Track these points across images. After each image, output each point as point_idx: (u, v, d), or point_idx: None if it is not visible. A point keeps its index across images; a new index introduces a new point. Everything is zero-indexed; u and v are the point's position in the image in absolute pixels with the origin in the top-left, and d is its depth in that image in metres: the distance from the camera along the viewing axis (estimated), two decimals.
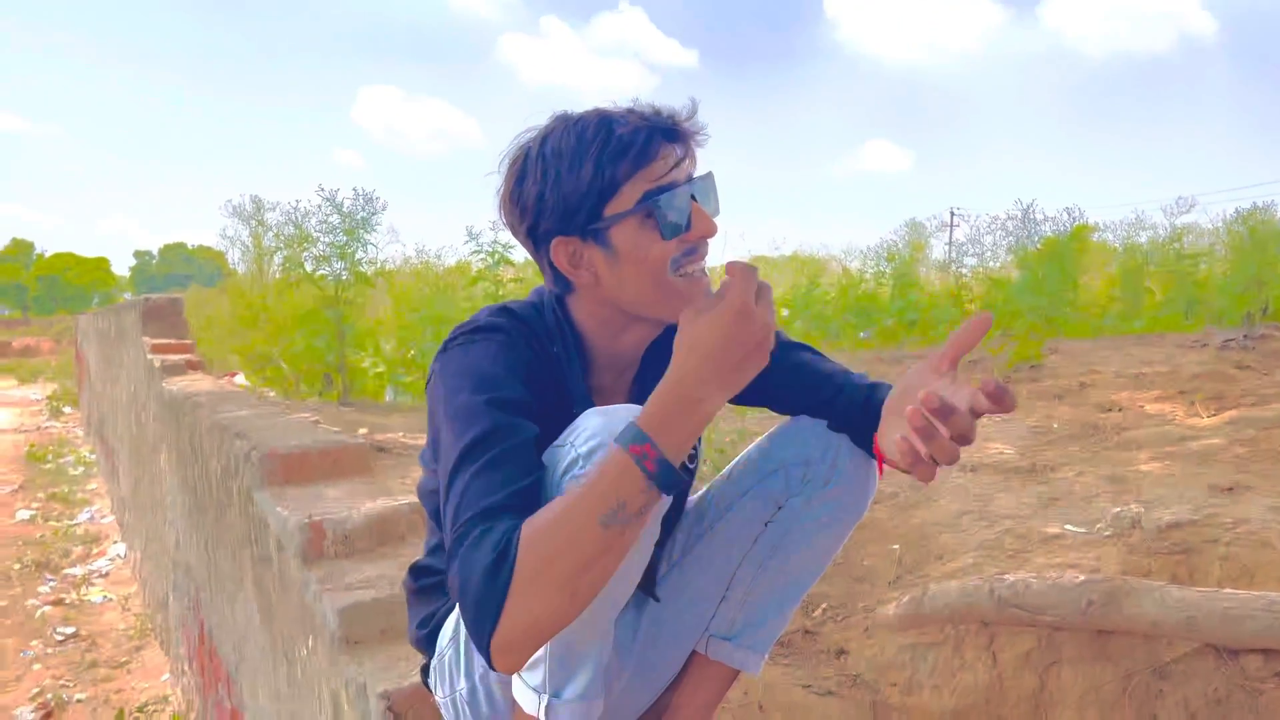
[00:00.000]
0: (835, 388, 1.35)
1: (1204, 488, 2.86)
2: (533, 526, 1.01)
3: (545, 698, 1.20)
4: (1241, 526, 2.36)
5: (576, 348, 1.28)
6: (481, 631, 0.99)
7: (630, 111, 1.19)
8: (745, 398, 1.35)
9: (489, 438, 1.09)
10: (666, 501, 1.07)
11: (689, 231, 1.20)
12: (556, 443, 1.13)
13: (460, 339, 1.23)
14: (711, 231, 1.22)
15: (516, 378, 1.18)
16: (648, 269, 1.20)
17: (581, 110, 1.22)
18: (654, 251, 1.19)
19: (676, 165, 1.20)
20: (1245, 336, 6.78)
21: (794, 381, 1.38)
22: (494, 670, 1.00)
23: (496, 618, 0.98)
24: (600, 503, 0.99)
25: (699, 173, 1.24)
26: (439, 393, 1.19)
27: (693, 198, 1.21)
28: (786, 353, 1.39)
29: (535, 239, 1.23)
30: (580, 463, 1.09)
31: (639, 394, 1.33)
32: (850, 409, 1.33)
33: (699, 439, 1.16)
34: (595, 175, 1.16)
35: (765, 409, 1.47)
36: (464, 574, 1.00)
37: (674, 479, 1.01)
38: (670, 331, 1.37)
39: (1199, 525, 2.40)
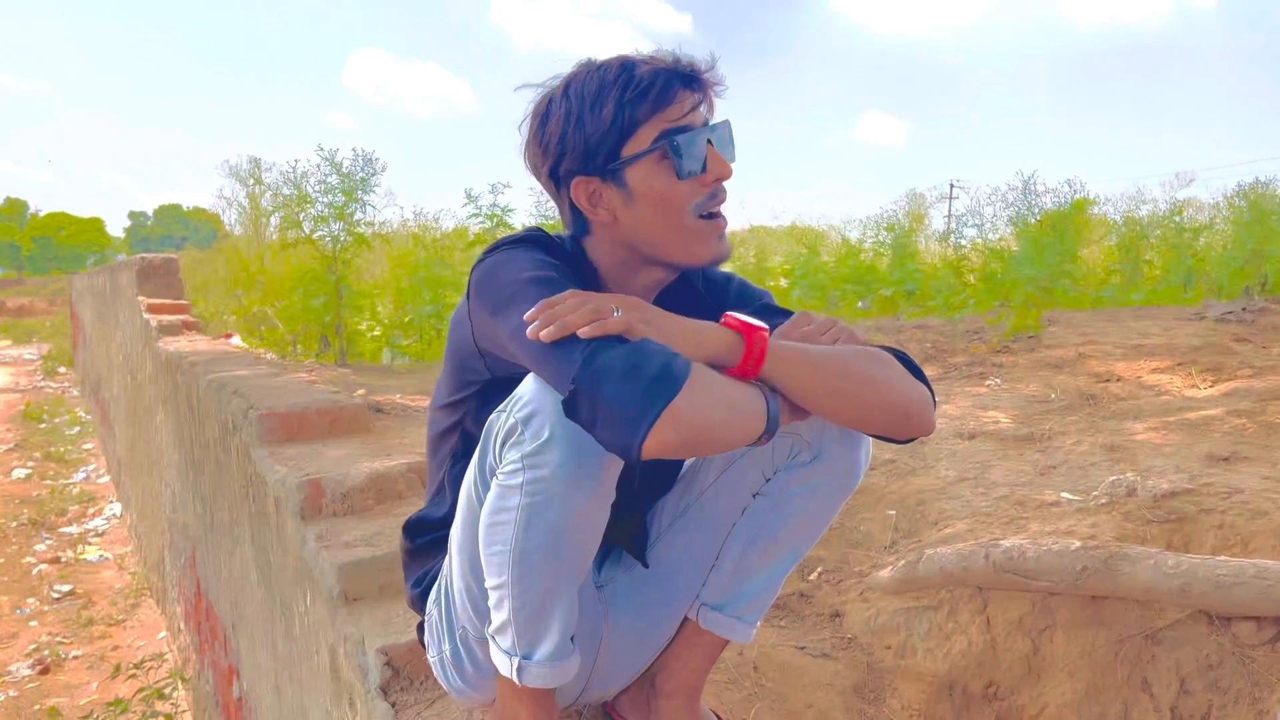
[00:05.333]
0: None
1: (1200, 457, 2.87)
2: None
3: (517, 659, 1.23)
4: (1236, 495, 2.36)
5: (597, 284, 1.31)
6: (657, 398, 1.00)
7: (652, 57, 1.22)
8: None
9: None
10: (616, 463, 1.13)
11: (705, 174, 1.23)
12: (498, 408, 1.15)
13: (505, 246, 1.25)
14: (727, 174, 1.24)
15: (565, 276, 1.20)
16: (663, 209, 1.23)
17: (605, 58, 1.24)
18: (669, 191, 1.22)
19: (693, 110, 1.23)
20: (1244, 309, 6.77)
21: None
22: (641, 449, 1.01)
23: (675, 391, 1.01)
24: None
25: (716, 121, 1.27)
26: (493, 284, 1.20)
27: (709, 142, 1.23)
28: (769, 319, 1.39)
29: (557, 179, 1.26)
30: (519, 428, 1.11)
31: None
32: None
33: None
34: (615, 116, 1.19)
35: None
36: (635, 359, 1.02)
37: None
38: (683, 279, 1.38)
39: (1195, 494, 2.41)
